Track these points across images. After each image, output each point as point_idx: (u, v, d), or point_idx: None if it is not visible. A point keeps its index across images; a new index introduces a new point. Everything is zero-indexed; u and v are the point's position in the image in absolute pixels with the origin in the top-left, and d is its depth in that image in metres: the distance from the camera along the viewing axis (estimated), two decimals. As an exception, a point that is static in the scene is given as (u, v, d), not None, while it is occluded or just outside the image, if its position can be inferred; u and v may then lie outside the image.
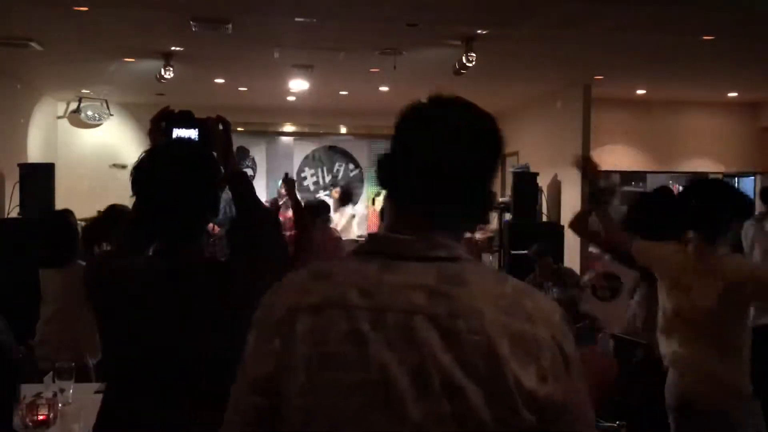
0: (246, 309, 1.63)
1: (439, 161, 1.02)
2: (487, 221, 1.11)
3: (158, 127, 1.95)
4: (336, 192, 7.22)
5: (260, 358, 1.02)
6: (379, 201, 7.29)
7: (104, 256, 1.85)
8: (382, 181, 1.09)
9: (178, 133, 1.94)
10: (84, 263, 3.72)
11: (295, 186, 3.18)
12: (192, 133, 1.93)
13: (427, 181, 1.02)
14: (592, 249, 7.42)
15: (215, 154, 1.82)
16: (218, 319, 1.62)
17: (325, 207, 5.37)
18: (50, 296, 3.77)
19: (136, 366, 1.63)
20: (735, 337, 2.63)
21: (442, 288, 0.97)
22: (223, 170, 1.80)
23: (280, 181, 7.45)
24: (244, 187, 1.85)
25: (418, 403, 0.93)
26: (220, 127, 1.90)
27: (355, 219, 7.31)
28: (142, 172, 1.71)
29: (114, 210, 4.17)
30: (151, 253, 1.73)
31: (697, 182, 2.98)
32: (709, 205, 2.72)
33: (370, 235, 1.09)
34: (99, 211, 4.22)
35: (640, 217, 3.16)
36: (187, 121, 1.95)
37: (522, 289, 1.00)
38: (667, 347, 2.73)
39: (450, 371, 0.92)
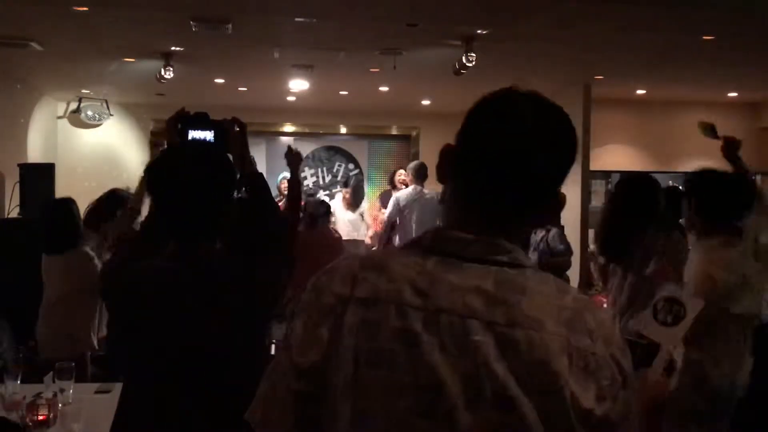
0: (263, 306, 1.67)
1: (510, 159, 0.97)
2: (553, 223, 1.05)
3: (174, 128, 1.95)
4: (346, 193, 7.22)
5: (307, 346, 0.97)
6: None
7: (120, 260, 1.82)
8: (446, 174, 1.03)
9: (194, 134, 1.95)
10: (87, 251, 3.74)
11: (300, 161, 3.03)
12: (208, 135, 1.94)
13: (496, 180, 0.97)
14: (592, 249, 7.42)
15: (231, 155, 1.83)
16: (239, 317, 1.63)
17: (325, 207, 5.36)
18: (51, 283, 3.80)
19: (162, 366, 1.63)
20: None
21: (501, 294, 0.92)
22: (239, 172, 1.82)
23: (280, 177, 7.46)
24: (260, 189, 1.88)
25: (468, 412, 0.88)
26: (236, 128, 1.90)
27: (365, 215, 7.28)
28: (159, 172, 1.70)
29: (114, 194, 4.20)
30: (168, 254, 1.72)
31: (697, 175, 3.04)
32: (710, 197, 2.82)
33: (430, 231, 1.02)
34: (100, 197, 4.24)
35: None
36: (203, 123, 1.96)
37: (584, 302, 0.96)
38: None
39: (504, 381, 0.88)
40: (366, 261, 1.01)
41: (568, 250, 5.50)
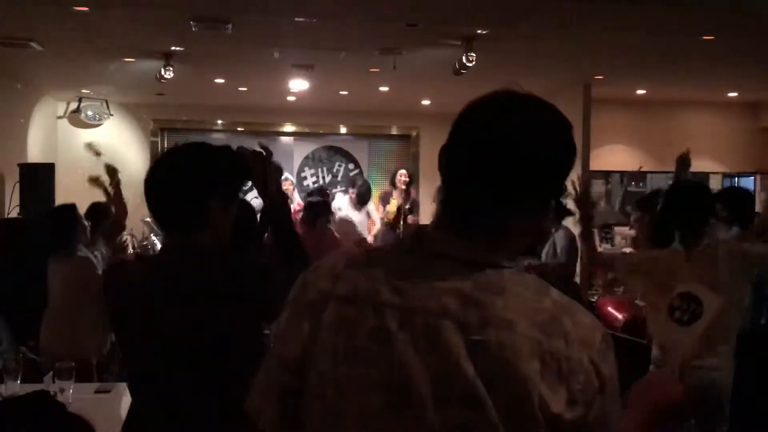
0: (255, 304, 1.64)
1: (491, 160, 0.95)
2: (542, 230, 1.03)
3: None
4: (352, 193, 7.23)
5: (289, 340, 1.00)
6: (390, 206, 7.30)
7: (118, 262, 1.87)
8: (441, 172, 1.02)
9: None
10: (90, 257, 3.75)
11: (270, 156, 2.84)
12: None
13: (476, 180, 0.96)
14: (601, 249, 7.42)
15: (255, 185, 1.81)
16: (235, 311, 1.60)
17: (326, 207, 5.35)
18: (54, 288, 3.80)
19: (161, 364, 1.63)
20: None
21: (477, 295, 0.92)
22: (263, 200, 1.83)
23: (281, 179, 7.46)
24: (279, 218, 1.85)
25: (436, 410, 0.89)
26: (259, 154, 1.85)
27: (372, 213, 7.27)
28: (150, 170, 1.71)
29: (94, 207, 4.27)
30: (161, 248, 1.76)
31: (676, 188, 3.17)
32: (688, 209, 2.89)
33: (413, 231, 1.03)
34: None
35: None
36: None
37: (563, 305, 0.94)
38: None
39: (472, 381, 0.88)
40: (350, 259, 1.02)
41: (570, 256, 5.24)
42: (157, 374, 1.65)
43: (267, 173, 1.80)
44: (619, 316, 5.45)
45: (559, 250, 5.04)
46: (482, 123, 0.98)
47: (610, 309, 5.70)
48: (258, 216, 2.58)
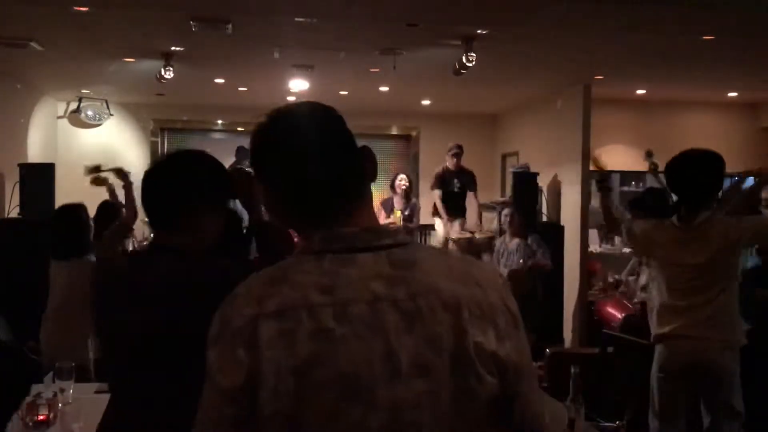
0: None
1: (329, 161, 1.08)
2: (371, 178, 1.14)
3: None
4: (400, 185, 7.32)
5: (229, 370, 0.99)
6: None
7: (106, 258, 1.90)
8: (283, 210, 1.13)
9: None
10: (92, 261, 3.73)
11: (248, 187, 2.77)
12: None
13: (323, 170, 1.07)
14: (592, 249, 7.43)
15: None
16: (203, 305, 1.57)
17: None
18: (56, 290, 3.78)
19: (138, 354, 1.63)
20: (731, 294, 3.05)
21: (397, 273, 1.01)
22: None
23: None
24: (263, 239, 1.91)
25: (389, 388, 0.95)
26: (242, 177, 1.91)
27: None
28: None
29: (106, 207, 4.23)
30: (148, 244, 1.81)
31: (679, 158, 3.18)
32: (689, 177, 3.06)
33: (316, 235, 1.07)
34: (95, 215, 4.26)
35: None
36: None
37: (465, 260, 1.09)
38: (666, 324, 3.10)
39: (415, 350, 0.96)
40: (265, 278, 1.04)
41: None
42: (132, 366, 1.65)
43: (252, 195, 1.86)
44: (618, 315, 5.46)
45: (540, 253, 6.01)
46: (295, 133, 1.11)
47: (609, 309, 5.72)
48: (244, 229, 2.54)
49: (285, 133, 1.11)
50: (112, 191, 4.11)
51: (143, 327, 1.60)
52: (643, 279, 4.88)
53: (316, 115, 1.13)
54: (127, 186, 3.95)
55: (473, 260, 1.10)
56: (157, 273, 1.63)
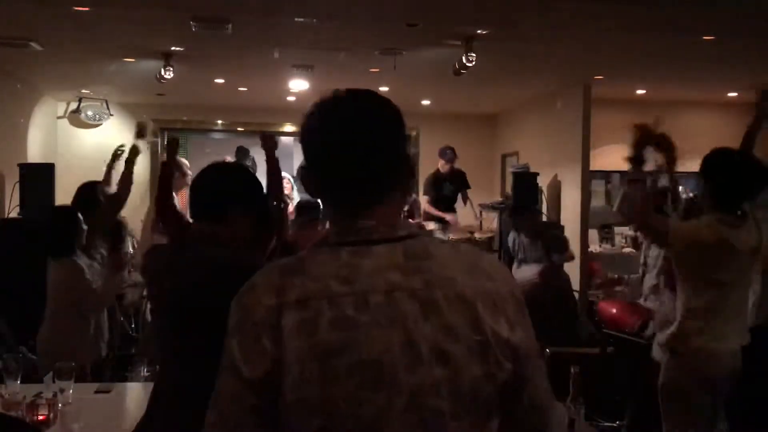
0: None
1: (359, 155, 1.08)
2: (408, 184, 1.17)
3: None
4: None
5: (253, 360, 1.01)
6: None
7: (155, 245, 2.41)
8: (314, 189, 1.14)
9: None
10: (78, 263, 3.72)
11: (275, 144, 3.18)
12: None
13: (355, 167, 1.08)
14: (592, 249, 7.43)
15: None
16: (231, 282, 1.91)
17: (310, 207, 5.14)
18: (49, 291, 3.78)
19: (179, 326, 1.96)
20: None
21: (412, 264, 1.04)
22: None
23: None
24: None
25: (410, 374, 0.98)
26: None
27: None
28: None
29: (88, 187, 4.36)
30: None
31: (713, 156, 3.05)
32: (725, 177, 2.90)
33: (334, 228, 1.12)
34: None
35: None
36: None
37: (475, 252, 1.14)
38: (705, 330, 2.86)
39: (434, 337, 1.00)
40: (284, 269, 1.07)
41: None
42: (169, 332, 1.99)
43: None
44: (630, 320, 5.21)
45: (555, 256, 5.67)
46: (330, 130, 1.11)
47: (615, 312, 5.47)
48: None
49: (330, 119, 1.12)
50: (131, 171, 4.35)
51: (186, 301, 1.91)
52: (651, 280, 4.73)
53: (369, 108, 1.13)
54: (130, 162, 4.44)
55: (481, 252, 1.15)
56: (197, 255, 1.96)
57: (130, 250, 5.45)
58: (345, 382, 0.98)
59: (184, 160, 6.04)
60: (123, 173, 4.35)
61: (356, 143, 1.08)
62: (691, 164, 3.42)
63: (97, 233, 3.99)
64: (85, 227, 3.81)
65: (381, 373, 0.98)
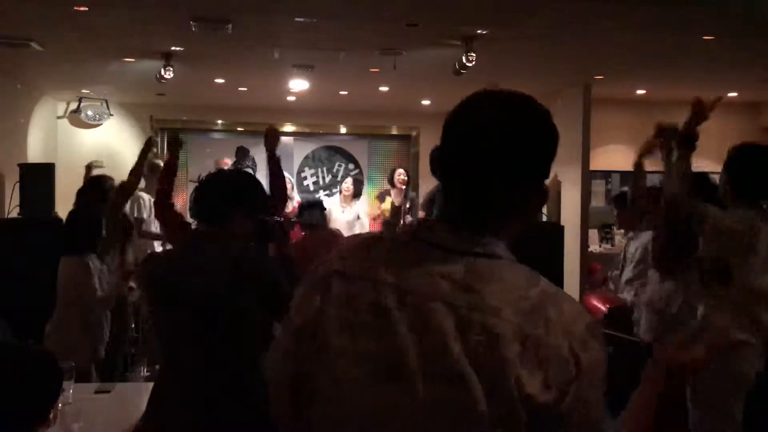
0: (256, 280, 2.11)
1: (475, 159, 1.04)
2: (527, 216, 1.09)
3: None
4: (346, 191, 7.27)
5: (302, 307, 1.10)
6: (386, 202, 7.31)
7: (154, 253, 2.47)
8: (435, 172, 1.12)
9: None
10: (86, 262, 3.73)
11: (277, 138, 3.35)
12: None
13: (465, 179, 1.05)
14: (592, 249, 7.43)
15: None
16: (232, 280, 2.07)
17: (311, 207, 5.12)
18: (57, 288, 3.80)
19: (184, 321, 2.07)
20: None
21: (467, 281, 0.99)
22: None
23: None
24: (286, 267, 2.35)
25: (425, 385, 0.96)
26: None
27: (359, 221, 7.26)
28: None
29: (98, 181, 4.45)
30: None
31: (738, 151, 3.07)
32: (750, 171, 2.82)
33: (418, 221, 1.14)
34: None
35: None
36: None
37: (551, 295, 0.99)
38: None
39: (458, 359, 0.94)
40: (357, 243, 1.14)
41: None
42: (179, 333, 2.08)
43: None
44: (602, 307, 5.32)
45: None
46: (461, 131, 1.08)
47: (594, 302, 5.61)
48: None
49: (465, 121, 1.09)
50: (141, 164, 4.61)
51: (191, 295, 2.04)
52: (627, 274, 4.81)
53: (509, 119, 1.07)
54: (144, 153, 4.69)
55: (560, 298, 0.99)
56: (202, 254, 2.11)
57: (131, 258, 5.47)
58: (363, 367, 1.01)
59: (159, 162, 6.05)
60: (135, 165, 4.62)
61: (480, 146, 1.04)
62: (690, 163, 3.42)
63: (112, 238, 4.04)
64: (104, 233, 3.85)
65: (399, 373, 0.98)
